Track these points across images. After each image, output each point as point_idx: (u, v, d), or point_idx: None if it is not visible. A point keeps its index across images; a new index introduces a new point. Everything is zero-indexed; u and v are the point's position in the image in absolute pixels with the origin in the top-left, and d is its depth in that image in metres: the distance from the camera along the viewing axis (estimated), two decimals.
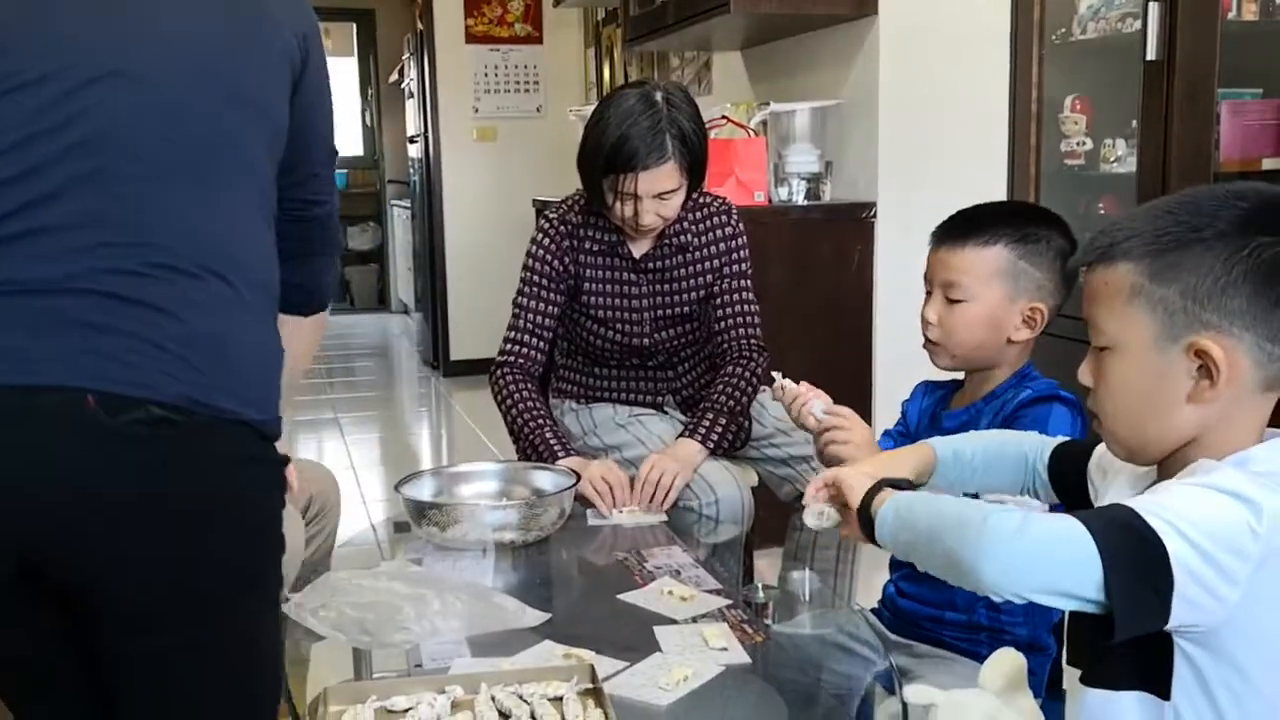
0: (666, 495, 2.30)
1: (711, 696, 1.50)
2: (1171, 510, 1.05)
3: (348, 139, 10.70)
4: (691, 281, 2.58)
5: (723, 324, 2.59)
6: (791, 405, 1.88)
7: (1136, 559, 1.03)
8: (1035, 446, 1.49)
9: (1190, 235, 1.12)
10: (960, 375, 1.91)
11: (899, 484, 1.33)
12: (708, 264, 2.58)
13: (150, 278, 1.26)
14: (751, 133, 3.83)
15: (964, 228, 1.80)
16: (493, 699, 1.39)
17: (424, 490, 2.18)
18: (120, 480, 1.23)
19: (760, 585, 1.83)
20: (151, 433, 1.23)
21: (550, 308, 2.58)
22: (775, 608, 1.81)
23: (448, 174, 6.96)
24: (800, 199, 3.82)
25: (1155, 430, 1.16)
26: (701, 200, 2.60)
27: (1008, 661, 1.30)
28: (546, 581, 2.03)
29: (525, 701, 1.39)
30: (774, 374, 1.93)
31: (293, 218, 1.52)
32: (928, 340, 1.85)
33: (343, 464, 5.10)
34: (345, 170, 10.55)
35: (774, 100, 3.96)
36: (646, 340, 2.59)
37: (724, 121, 3.84)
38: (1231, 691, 1.11)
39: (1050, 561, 1.05)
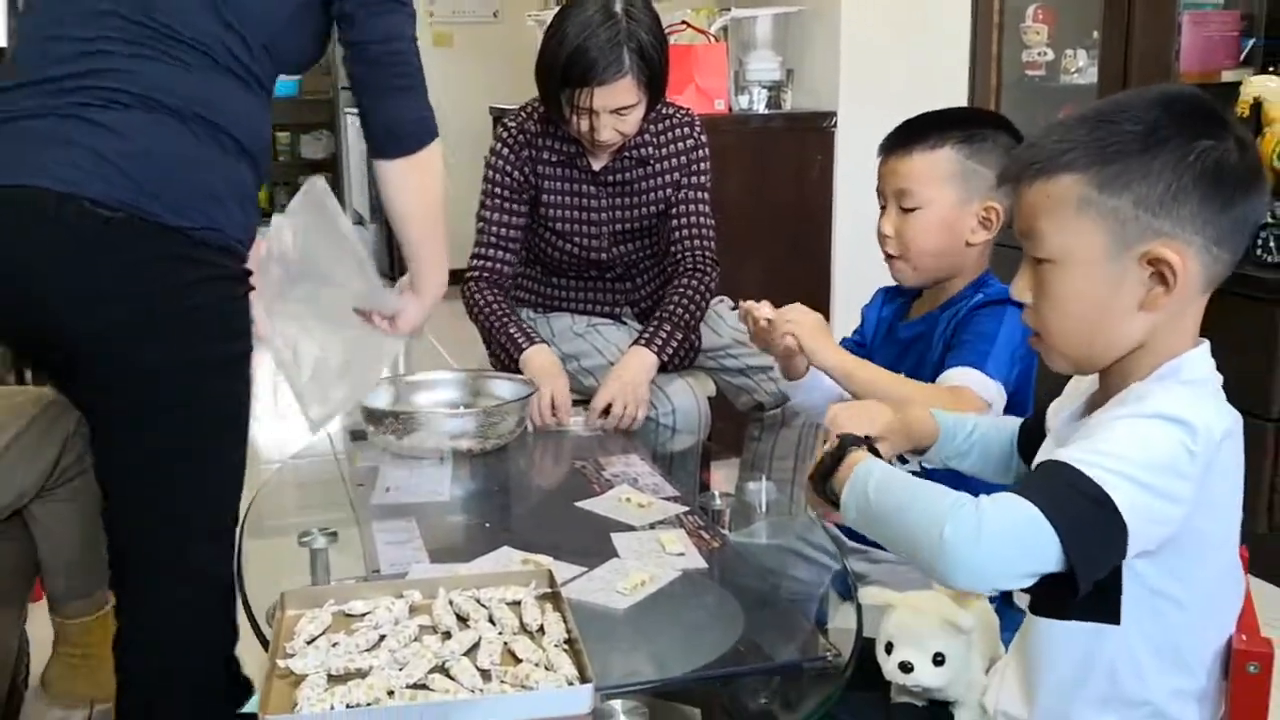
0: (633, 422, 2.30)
1: (668, 601, 1.51)
2: (1110, 455, 1.06)
3: None
4: (651, 195, 2.55)
5: (677, 234, 2.57)
6: (753, 322, 1.85)
7: (1089, 521, 1.05)
8: (1012, 433, 1.48)
9: (1135, 144, 1.12)
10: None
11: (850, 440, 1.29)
12: (668, 176, 2.55)
13: (109, 108, 1.44)
14: (712, 38, 3.78)
15: (910, 134, 1.79)
16: (450, 603, 1.39)
17: (381, 398, 2.17)
18: (74, 267, 1.42)
19: (717, 494, 1.84)
20: (100, 226, 1.41)
21: (514, 219, 2.54)
22: (732, 516, 1.82)
23: None
24: (761, 107, 3.79)
25: (1104, 340, 1.16)
26: (664, 111, 2.56)
27: None
28: (504, 489, 2.03)
29: (483, 606, 1.39)
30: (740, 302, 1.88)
31: (356, 60, 1.65)
32: (888, 255, 1.84)
33: None
34: (299, 78, 10.37)
35: (735, 6, 3.90)
36: (605, 254, 2.57)
37: (684, 27, 3.79)
38: (1174, 599, 1.14)
39: (1011, 553, 1.05)
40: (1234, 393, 1.17)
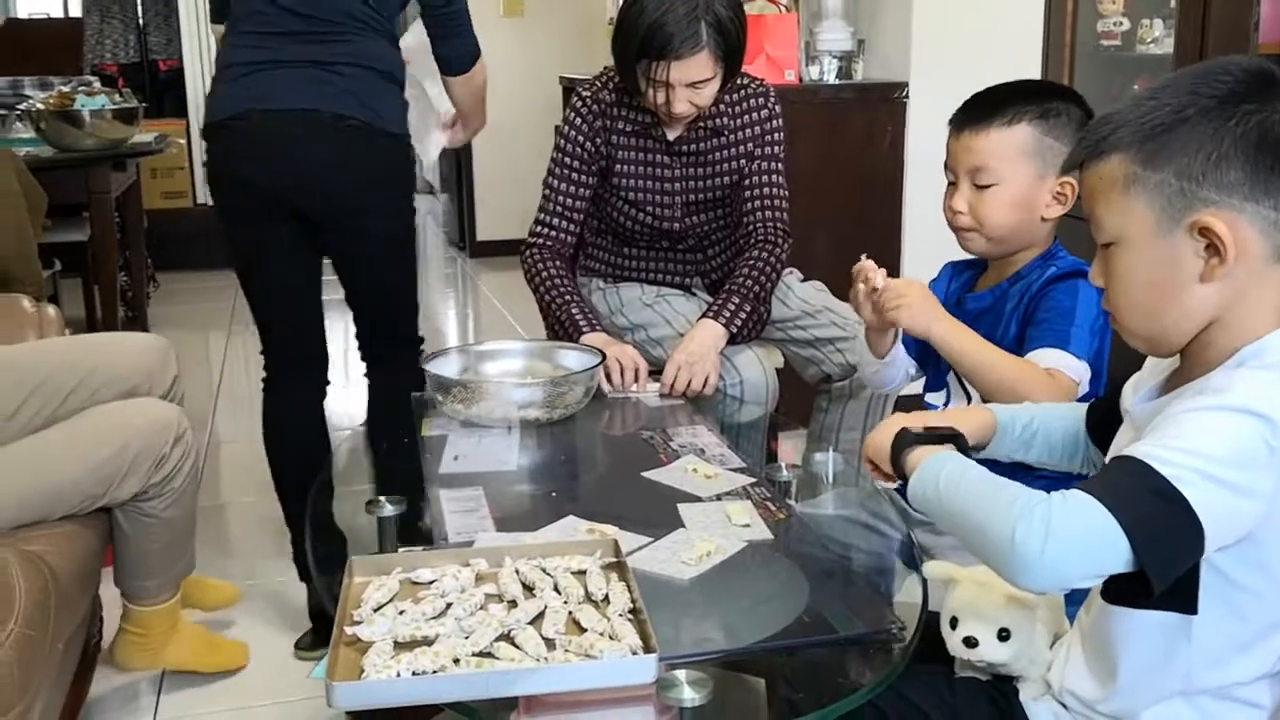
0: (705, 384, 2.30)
1: (734, 571, 1.51)
2: (1185, 450, 1.04)
3: None
4: (725, 165, 2.54)
5: (750, 205, 2.56)
6: (864, 283, 1.83)
7: (1161, 521, 1.03)
8: (1079, 418, 1.46)
9: (1174, 116, 1.10)
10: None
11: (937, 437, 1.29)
12: (742, 148, 2.54)
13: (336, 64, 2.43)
14: (783, 8, 3.75)
15: (984, 110, 1.77)
16: (516, 572, 1.40)
17: (450, 367, 2.19)
18: (350, 158, 2.42)
19: (784, 465, 1.83)
20: (352, 131, 2.41)
21: (581, 189, 2.55)
22: (798, 487, 1.81)
23: None
24: (831, 78, 3.76)
25: (1172, 317, 1.14)
26: (740, 82, 2.54)
27: None
28: (571, 459, 2.04)
29: (549, 575, 1.40)
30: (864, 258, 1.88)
31: (425, 14, 2.57)
32: (959, 229, 1.83)
33: None
34: None
35: None
36: (677, 225, 2.57)
37: None
38: (1252, 591, 1.12)
39: (1080, 557, 1.04)
40: None
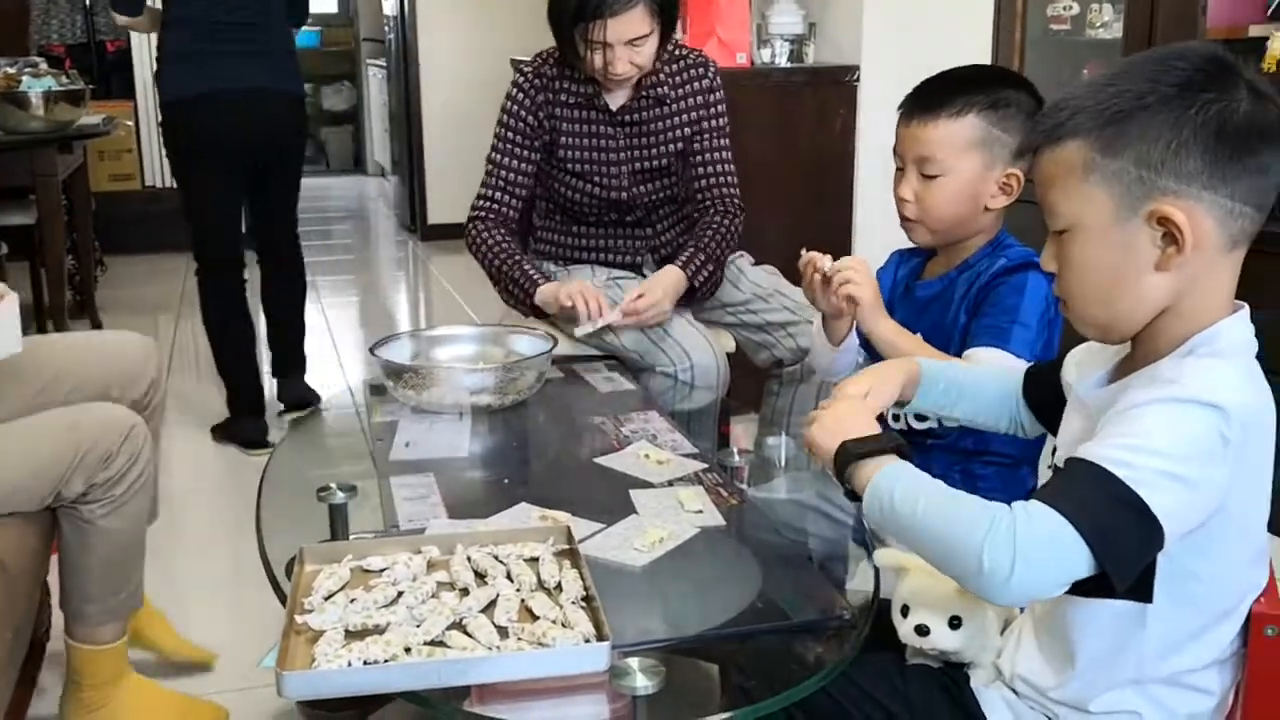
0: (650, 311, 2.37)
1: (686, 558, 1.51)
2: (1140, 450, 1.04)
3: None
4: (669, 134, 2.56)
5: (702, 182, 2.58)
6: (813, 272, 1.82)
7: (1123, 528, 1.03)
8: (1013, 380, 1.46)
9: (1134, 103, 1.09)
10: None
11: (881, 443, 1.24)
12: (685, 116, 2.57)
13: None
14: None
15: (933, 99, 1.76)
16: (468, 559, 1.39)
17: (400, 353, 2.17)
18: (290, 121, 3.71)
19: (736, 450, 1.83)
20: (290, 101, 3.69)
21: (524, 165, 2.56)
22: (751, 472, 1.82)
23: (423, 32, 6.81)
24: (783, 61, 3.75)
25: (1127, 305, 1.14)
26: (679, 53, 2.58)
27: None
28: (523, 445, 2.04)
29: (501, 562, 1.39)
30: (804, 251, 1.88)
31: None
32: (904, 218, 1.83)
33: (320, 328, 5.09)
34: (319, 28, 10.32)
35: None
36: (624, 194, 2.57)
37: None
38: (1204, 578, 1.13)
39: (1048, 572, 1.04)
40: (1274, 354, 1.15)
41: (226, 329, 3.72)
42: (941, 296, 1.84)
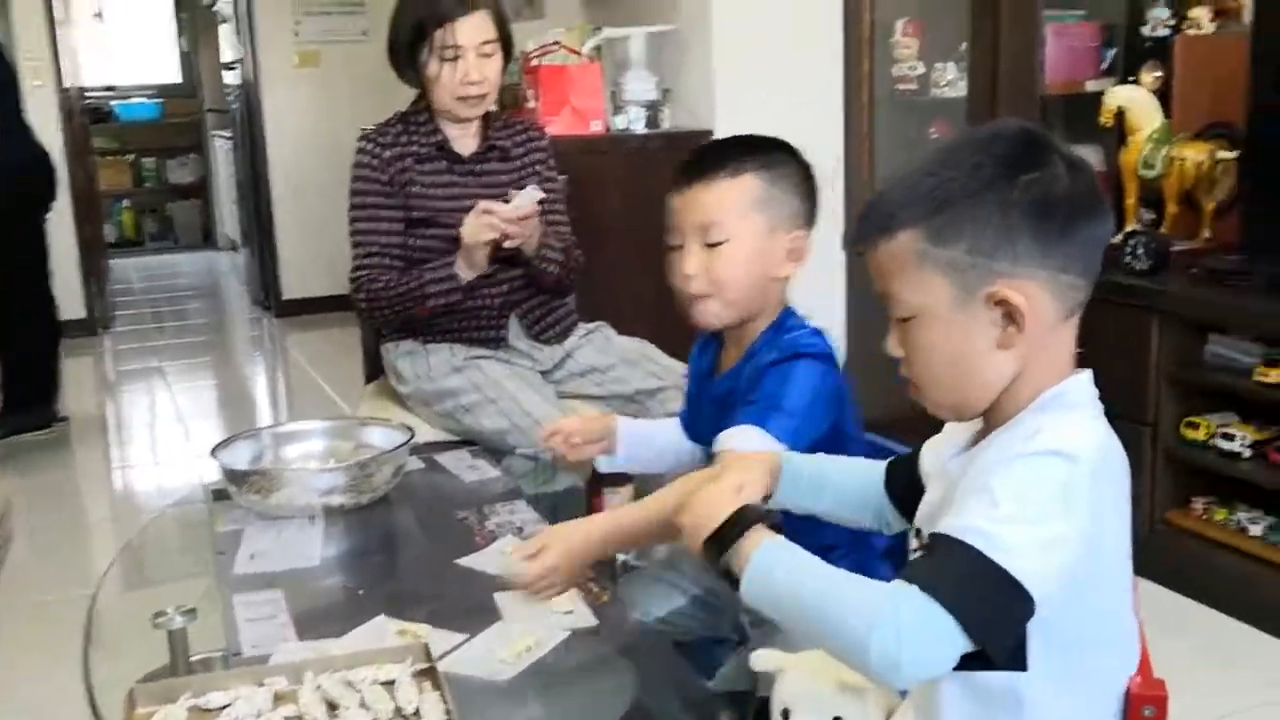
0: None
1: (554, 667, 1.43)
2: (1000, 518, 1.03)
3: (163, 66, 10.21)
4: (515, 186, 2.54)
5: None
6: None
7: (992, 603, 1.03)
8: (876, 473, 1.43)
9: (959, 191, 1.10)
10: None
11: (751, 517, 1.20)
12: (528, 170, 2.63)
13: None
14: (586, 59, 3.72)
15: (708, 163, 1.70)
16: (318, 688, 1.30)
17: (243, 455, 2.04)
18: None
19: None
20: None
21: (391, 224, 2.54)
22: (622, 562, 1.75)
23: (268, 102, 6.65)
24: (639, 127, 3.73)
25: (976, 385, 1.15)
26: (511, 120, 2.70)
27: None
28: (381, 549, 1.93)
29: (355, 689, 1.30)
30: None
31: None
32: (694, 298, 1.72)
33: (170, 417, 4.89)
34: (161, 100, 10.08)
35: (607, 25, 3.84)
36: None
37: (557, 47, 3.71)
38: (1075, 637, 1.12)
39: (933, 656, 1.03)
40: (1109, 399, 1.16)
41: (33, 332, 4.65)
42: (733, 391, 1.73)
